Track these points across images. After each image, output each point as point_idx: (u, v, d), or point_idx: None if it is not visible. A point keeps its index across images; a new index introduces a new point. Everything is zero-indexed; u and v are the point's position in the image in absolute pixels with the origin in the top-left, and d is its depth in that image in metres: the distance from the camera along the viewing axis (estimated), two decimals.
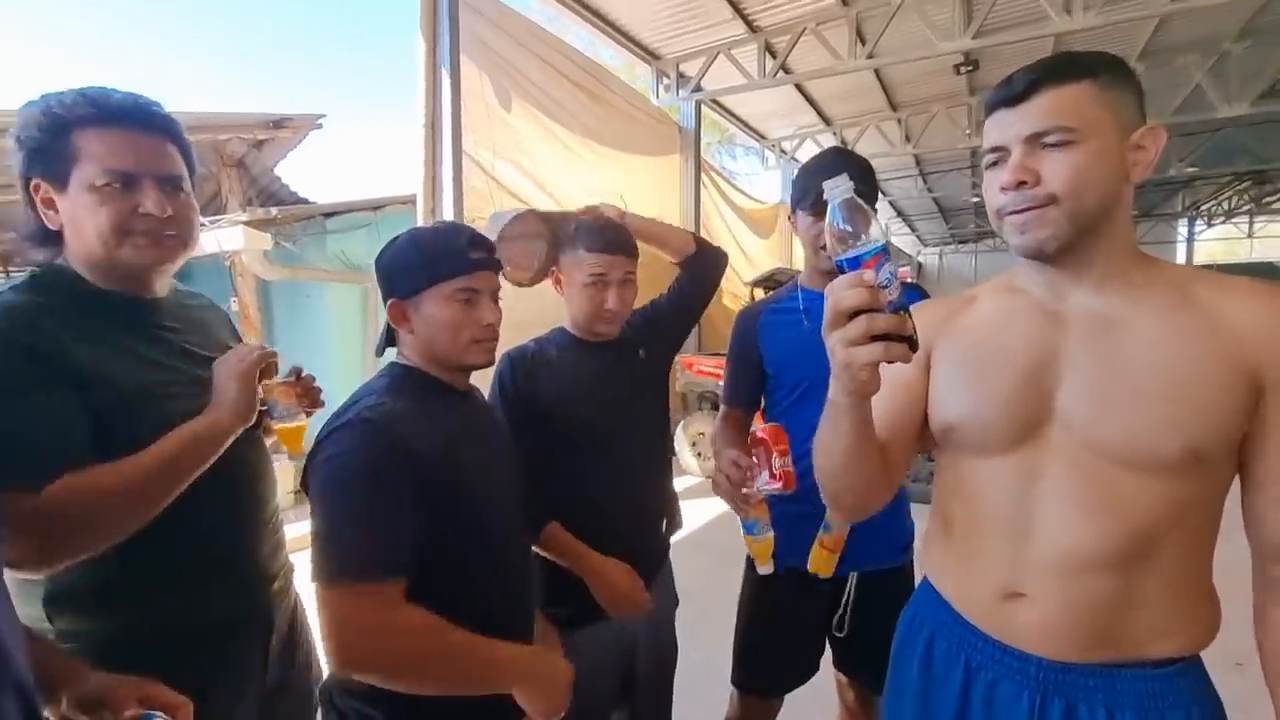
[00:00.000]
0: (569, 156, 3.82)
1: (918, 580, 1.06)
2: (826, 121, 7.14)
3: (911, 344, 0.63)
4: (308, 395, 1.15)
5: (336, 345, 5.28)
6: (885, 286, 0.62)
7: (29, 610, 0.95)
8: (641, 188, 4.29)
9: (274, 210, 4.53)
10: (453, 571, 0.99)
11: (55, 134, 0.93)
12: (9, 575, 0.82)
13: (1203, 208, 15.24)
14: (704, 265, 1.62)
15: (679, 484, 1.25)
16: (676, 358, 2.44)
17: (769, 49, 5.10)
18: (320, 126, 5.38)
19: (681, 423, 5.15)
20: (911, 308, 0.66)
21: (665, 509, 1.53)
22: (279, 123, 5.20)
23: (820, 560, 1.31)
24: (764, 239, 8.30)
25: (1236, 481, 0.79)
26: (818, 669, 1.52)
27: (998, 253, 17.41)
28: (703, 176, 5.20)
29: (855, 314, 0.63)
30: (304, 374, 1.16)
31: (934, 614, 0.97)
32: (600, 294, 1.42)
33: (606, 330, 1.45)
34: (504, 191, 3.41)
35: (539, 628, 1.20)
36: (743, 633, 1.58)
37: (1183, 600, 0.78)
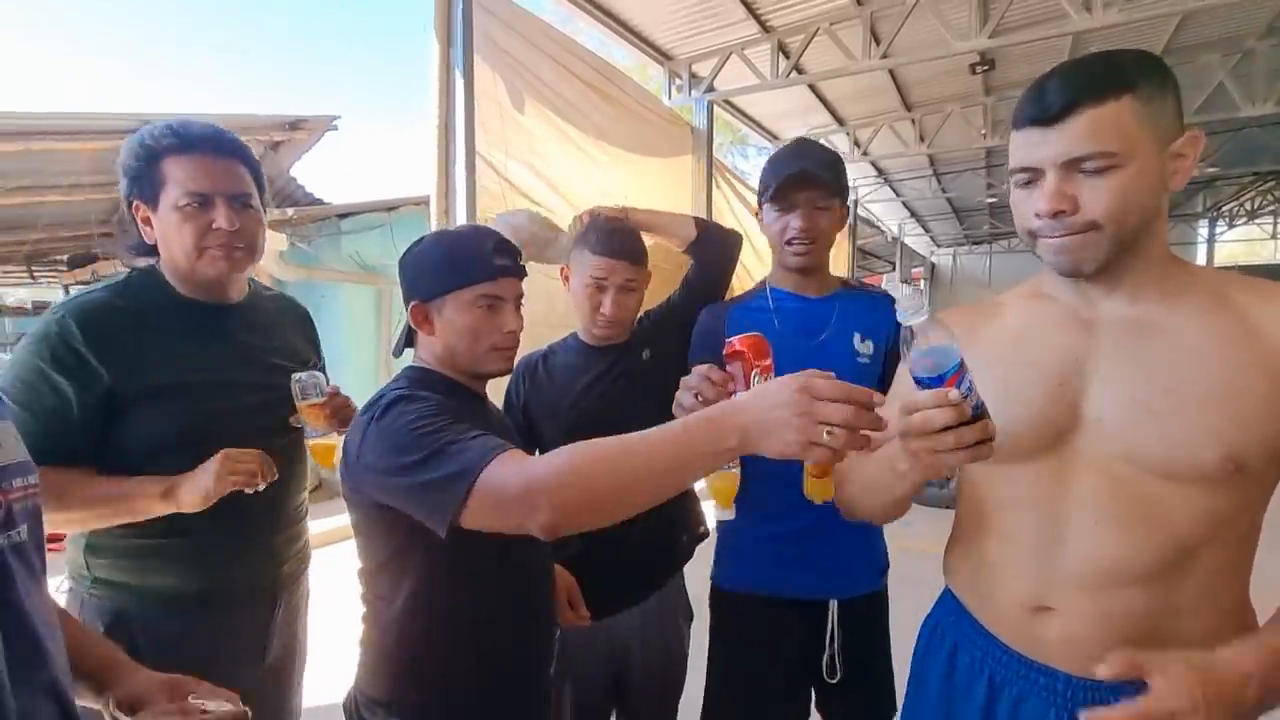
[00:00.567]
0: (581, 157, 3.81)
1: (936, 592, 1.04)
2: (840, 122, 7.08)
3: (991, 439, 0.67)
4: (337, 416, 1.23)
5: (351, 346, 5.30)
6: (966, 396, 0.66)
7: (74, 555, 1.13)
8: (653, 188, 4.27)
9: (289, 211, 4.57)
10: (472, 566, 0.99)
11: (148, 162, 1.09)
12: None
13: (1224, 208, 14.97)
14: (710, 250, 1.59)
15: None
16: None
17: (782, 49, 5.06)
18: (335, 128, 5.40)
19: None
20: (938, 315, 0.68)
21: (678, 516, 1.50)
22: (295, 124, 5.22)
23: (817, 487, 1.02)
24: None
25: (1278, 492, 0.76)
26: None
27: (1012, 254, 17.20)
28: (715, 177, 5.17)
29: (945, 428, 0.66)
30: (339, 395, 1.24)
31: (956, 625, 0.94)
32: (597, 297, 1.42)
33: (604, 334, 1.45)
34: (516, 192, 3.41)
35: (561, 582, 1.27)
36: (715, 696, 1.38)
37: (1219, 616, 0.75)
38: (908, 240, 15.10)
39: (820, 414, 0.65)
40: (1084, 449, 0.77)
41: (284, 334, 1.32)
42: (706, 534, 1.56)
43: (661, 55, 5.14)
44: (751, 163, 13.53)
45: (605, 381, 1.45)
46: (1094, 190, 0.71)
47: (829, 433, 0.65)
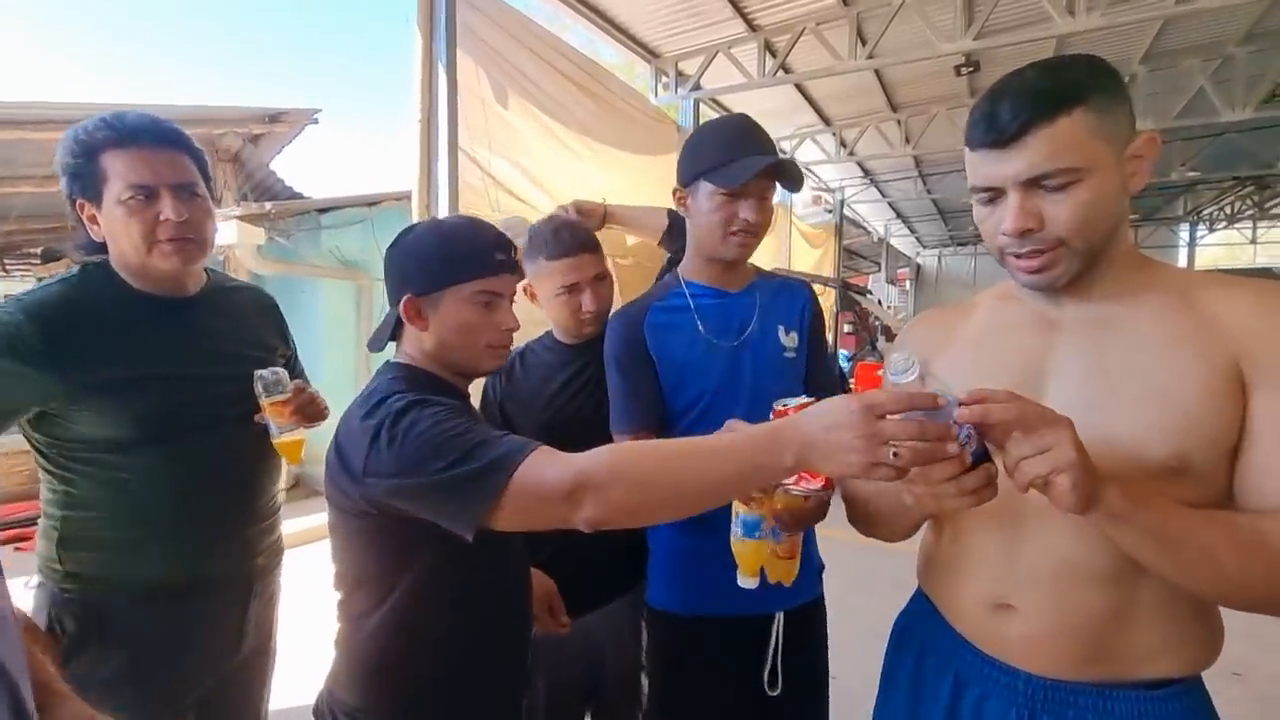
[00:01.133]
0: (565, 153, 3.79)
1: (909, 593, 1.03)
2: (826, 122, 7.10)
3: (992, 483, 0.67)
4: (301, 412, 1.21)
5: (330, 341, 5.25)
6: (965, 444, 0.65)
7: (45, 549, 1.11)
8: (639, 186, 4.26)
9: (268, 205, 4.51)
10: (460, 583, 0.97)
11: (87, 158, 1.06)
12: (43, 520, 1.12)
13: (1205, 212, 15.19)
14: (682, 241, 1.57)
15: None
16: None
17: (769, 48, 5.07)
18: (316, 121, 5.36)
19: None
20: (912, 321, 0.68)
21: None
22: (274, 117, 5.17)
23: (782, 570, 1.05)
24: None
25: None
26: None
27: None
28: None
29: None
30: (304, 391, 1.22)
31: (925, 624, 0.94)
32: (575, 299, 1.40)
33: (593, 329, 1.43)
34: (500, 188, 3.38)
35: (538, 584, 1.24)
36: None
37: (1179, 618, 0.74)
38: (893, 241, 15.18)
39: (885, 433, 0.63)
40: None
41: (250, 325, 1.31)
42: None
43: (649, 53, 5.13)
44: None
45: (581, 379, 1.44)
46: (1057, 205, 0.71)
47: (895, 453, 0.63)
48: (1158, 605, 0.74)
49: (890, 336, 8.61)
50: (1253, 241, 17.36)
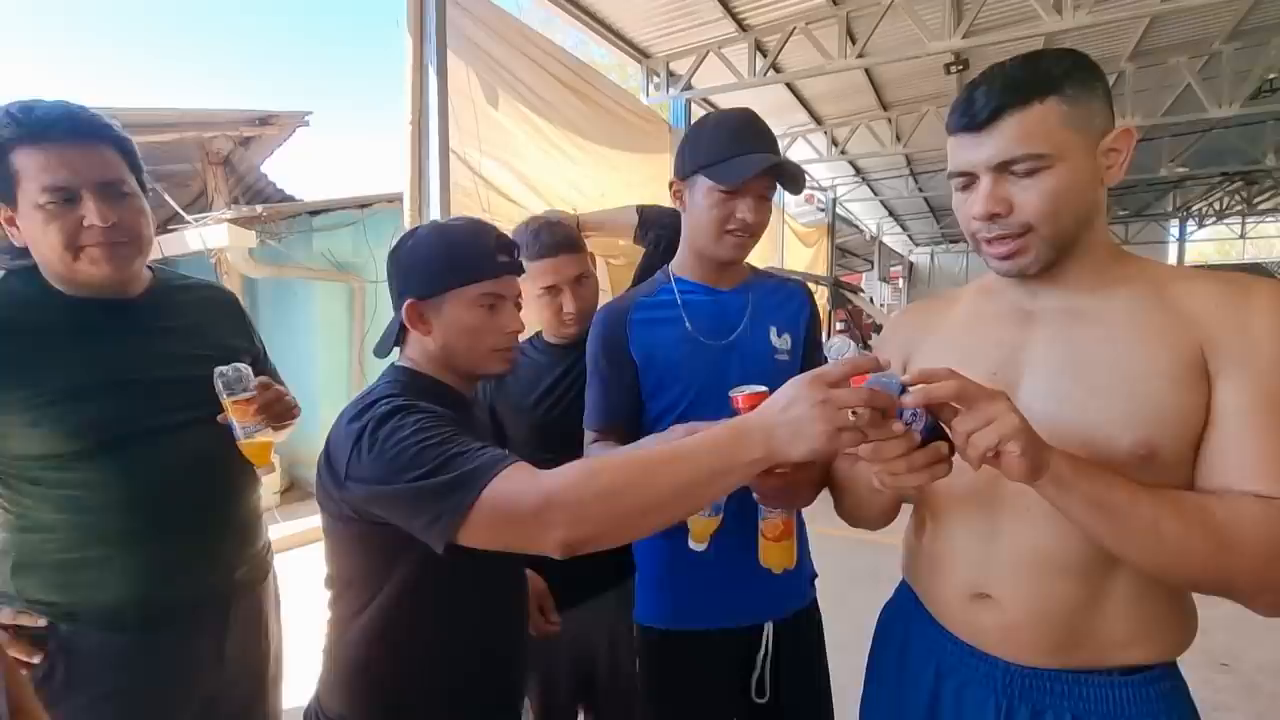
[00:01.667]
0: (556, 154, 3.79)
1: (892, 589, 1.05)
2: (817, 121, 7.13)
3: (945, 459, 0.69)
4: (266, 410, 1.12)
5: (323, 344, 5.24)
6: (910, 424, 0.67)
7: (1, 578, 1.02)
8: (630, 185, 4.27)
9: (259, 208, 4.49)
10: (448, 589, 0.95)
11: None
12: None
13: (1194, 208, 15.29)
14: (654, 231, 1.54)
15: None
16: None
17: (759, 48, 5.09)
18: (307, 124, 5.34)
19: None
20: (896, 313, 0.69)
21: None
22: (265, 119, 5.15)
23: (774, 554, 1.04)
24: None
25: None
26: None
27: None
28: None
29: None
30: (270, 388, 1.13)
31: (909, 615, 0.95)
32: (555, 301, 1.40)
33: (576, 330, 1.44)
34: (491, 189, 3.38)
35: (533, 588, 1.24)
36: None
37: (1152, 606, 0.76)
38: (886, 239, 15.25)
39: (839, 399, 0.64)
40: None
41: (206, 325, 1.20)
42: None
43: (639, 53, 5.14)
44: None
45: (569, 379, 1.44)
46: (1025, 191, 0.73)
47: (854, 413, 0.64)
48: (1131, 594, 0.75)
49: None
50: (1242, 237, 17.51)
